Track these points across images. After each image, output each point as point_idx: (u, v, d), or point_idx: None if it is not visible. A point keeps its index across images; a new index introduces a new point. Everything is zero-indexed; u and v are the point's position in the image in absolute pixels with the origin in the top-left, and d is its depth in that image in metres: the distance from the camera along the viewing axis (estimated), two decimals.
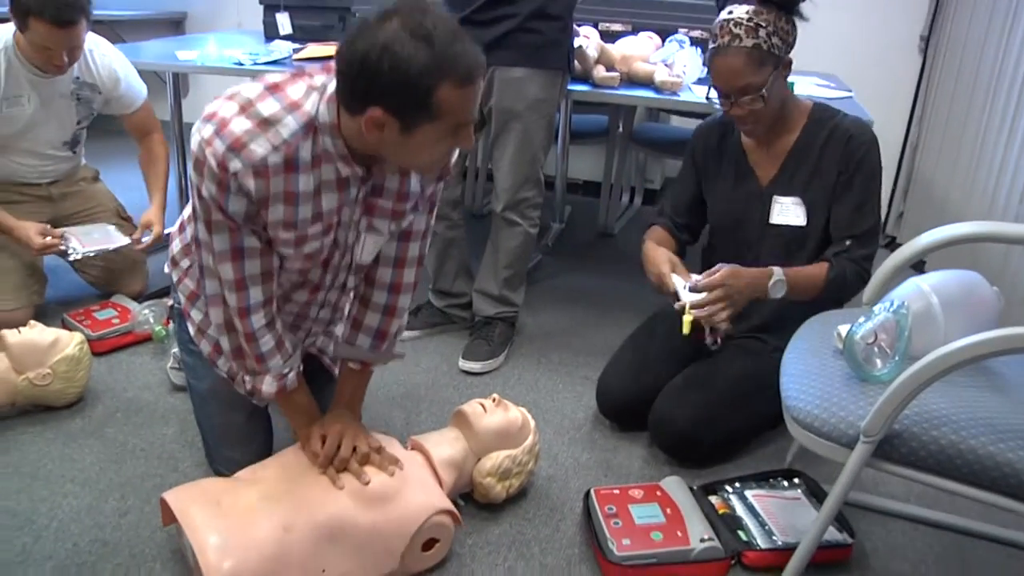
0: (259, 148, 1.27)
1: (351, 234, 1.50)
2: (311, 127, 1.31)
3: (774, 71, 1.75)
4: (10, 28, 2.24)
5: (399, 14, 1.18)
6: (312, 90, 1.32)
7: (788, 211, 1.90)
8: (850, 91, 2.76)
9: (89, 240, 2.46)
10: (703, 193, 2.06)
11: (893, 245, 3.57)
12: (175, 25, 4.63)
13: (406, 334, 2.49)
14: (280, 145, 1.29)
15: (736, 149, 1.98)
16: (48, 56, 2.21)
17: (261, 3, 3.17)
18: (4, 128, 2.31)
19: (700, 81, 2.61)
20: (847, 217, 1.85)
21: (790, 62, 1.79)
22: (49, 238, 2.36)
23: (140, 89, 2.60)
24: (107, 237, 2.51)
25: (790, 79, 2.54)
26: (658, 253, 1.93)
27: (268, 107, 1.29)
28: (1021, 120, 2.57)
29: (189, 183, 1.37)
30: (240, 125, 1.27)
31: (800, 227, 1.90)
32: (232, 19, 4.48)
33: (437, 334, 2.54)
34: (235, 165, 1.27)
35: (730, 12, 1.74)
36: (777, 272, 1.79)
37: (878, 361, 1.32)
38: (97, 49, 2.45)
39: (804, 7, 1.75)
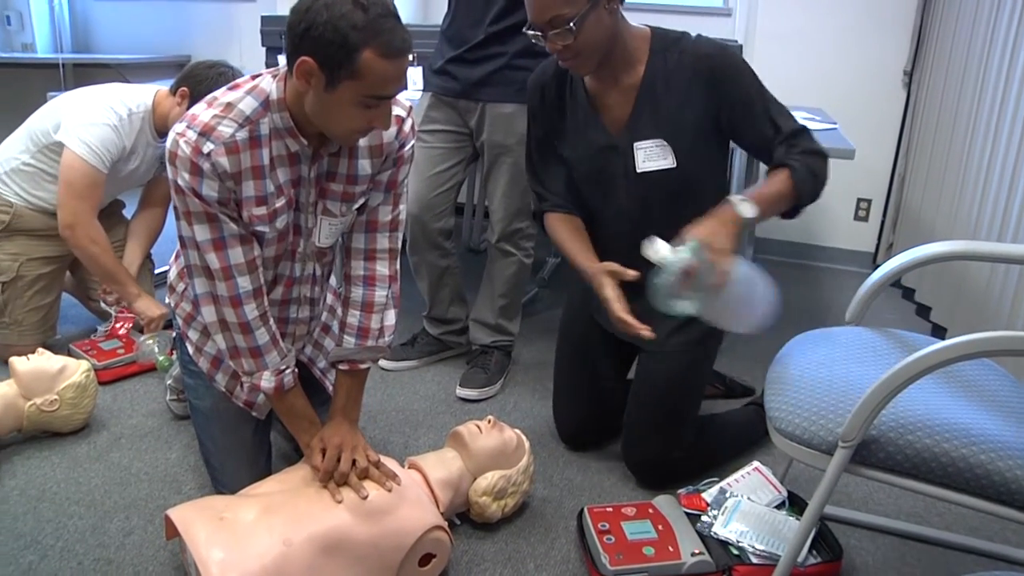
0: (226, 128, 1.42)
1: (310, 219, 1.60)
2: (267, 104, 1.44)
3: (590, 4, 1.60)
4: (149, 93, 2.42)
5: None
6: (268, 75, 1.47)
7: (654, 155, 1.74)
8: (835, 123, 2.85)
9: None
10: (561, 152, 1.87)
11: None
12: (179, 68, 4.71)
13: (404, 364, 2.54)
14: (244, 122, 1.43)
15: (581, 96, 1.81)
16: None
17: (263, 45, 3.27)
18: (106, 177, 2.38)
19: None
20: (769, 130, 1.68)
21: None
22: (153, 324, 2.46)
23: None
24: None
25: None
26: (584, 256, 1.79)
27: (230, 96, 1.44)
28: (999, 150, 2.65)
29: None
30: (207, 114, 1.42)
31: (671, 169, 1.74)
32: (235, 62, 4.56)
33: (434, 363, 2.59)
34: (208, 146, 1.40)
35: None
36: (732, 198, 1.57)
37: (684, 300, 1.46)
38: None
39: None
